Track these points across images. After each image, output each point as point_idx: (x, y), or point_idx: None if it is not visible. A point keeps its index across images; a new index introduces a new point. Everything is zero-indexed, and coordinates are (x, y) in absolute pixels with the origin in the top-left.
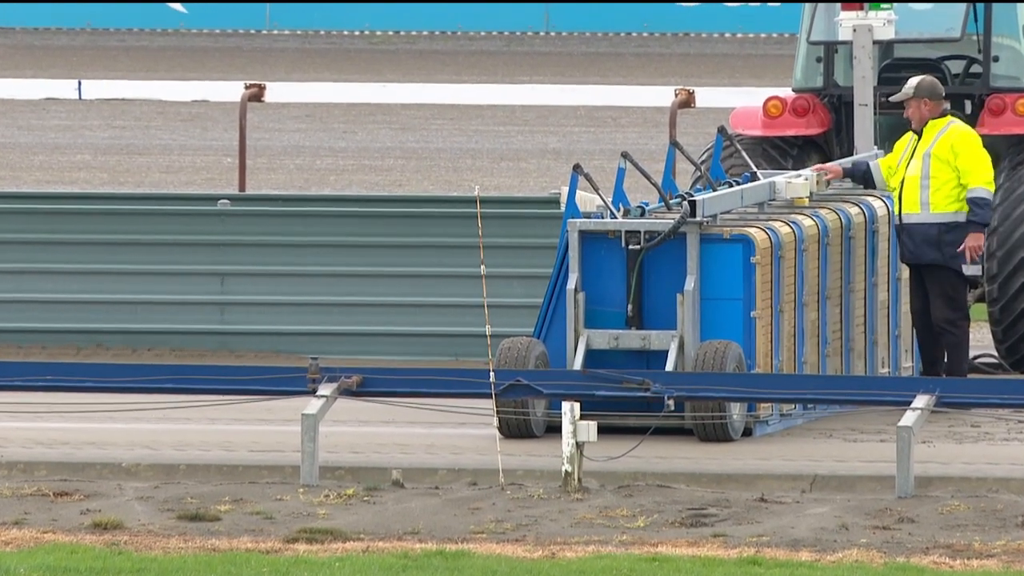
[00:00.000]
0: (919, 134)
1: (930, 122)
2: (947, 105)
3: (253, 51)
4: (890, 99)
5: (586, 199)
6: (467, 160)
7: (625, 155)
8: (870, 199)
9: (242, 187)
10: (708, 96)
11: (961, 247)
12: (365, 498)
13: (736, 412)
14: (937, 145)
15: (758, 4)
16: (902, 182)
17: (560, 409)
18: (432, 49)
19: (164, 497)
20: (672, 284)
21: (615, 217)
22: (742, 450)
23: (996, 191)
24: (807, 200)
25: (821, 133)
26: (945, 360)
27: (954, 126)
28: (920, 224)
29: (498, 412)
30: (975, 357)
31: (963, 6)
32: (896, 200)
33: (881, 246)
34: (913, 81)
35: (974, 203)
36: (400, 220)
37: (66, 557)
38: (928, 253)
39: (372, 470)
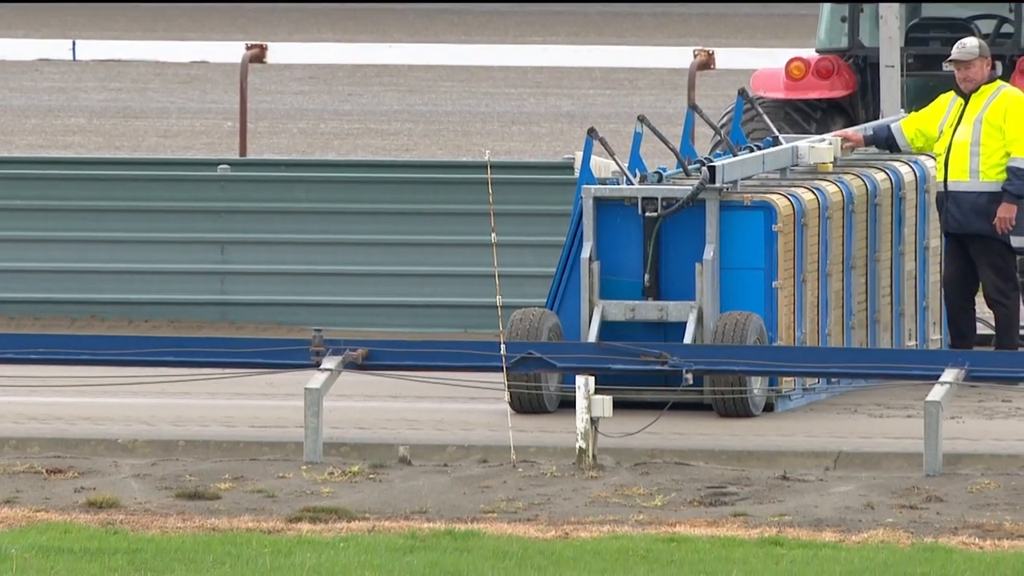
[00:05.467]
0: (966, 98)
1: (982, 86)
2: (999, 69)
3: (255, 10)
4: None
5: (601, 164)
6: (477, 124)
7: (642, 119)
8: (897, 164)
9: (243, 152)
10: (728, 57)
11: (994, 219)
12: (371, 476)
13: (757, 386)
14: (990, 110)
15: None
16: (948, 148)
17: (574, 383)
18: (441, 8)
19: (162, 475)
20: (691, 253)
21: (631, 183)
22: (763, 426)
23: None
24: (831, 165)
25: (846, 96)
26: (995, 333)
27: (1007, 90)
28: (968, 192)
29: (509, 386)
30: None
31: None
32: (941, 167)
33: (908, 214)
34: (971, 41)
35: (1013, 172)
36: (407, 186)
37: (59, 537)
38: (975, 223)
39: (378, 447)
